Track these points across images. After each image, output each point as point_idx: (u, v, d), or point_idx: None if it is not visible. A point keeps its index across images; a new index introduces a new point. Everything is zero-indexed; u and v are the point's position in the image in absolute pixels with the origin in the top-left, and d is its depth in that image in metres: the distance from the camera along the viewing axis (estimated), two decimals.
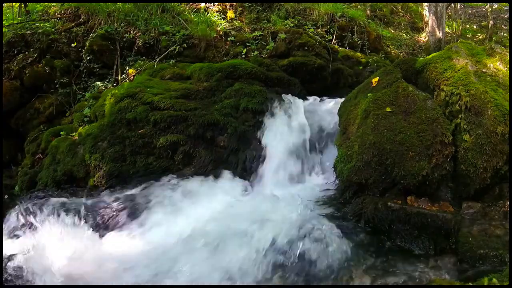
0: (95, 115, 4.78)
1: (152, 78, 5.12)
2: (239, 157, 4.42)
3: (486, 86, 3.30)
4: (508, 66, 3.51)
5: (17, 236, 3.40)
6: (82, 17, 6.26)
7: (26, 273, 2.72)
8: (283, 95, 4.95)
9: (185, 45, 5.87)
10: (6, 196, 4.54)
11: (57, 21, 6.36)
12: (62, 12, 6.49)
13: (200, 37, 5.93)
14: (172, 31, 6.01)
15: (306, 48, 5.60)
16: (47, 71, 5.59)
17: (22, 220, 3.62)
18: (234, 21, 6.89)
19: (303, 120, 4.63)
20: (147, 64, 5.66)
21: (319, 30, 6.85)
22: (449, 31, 10.54)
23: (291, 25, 6.76)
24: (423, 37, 9.95)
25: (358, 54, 6.60)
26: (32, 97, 5.62)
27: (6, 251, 2.93)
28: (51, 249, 3.04)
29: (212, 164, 4.31)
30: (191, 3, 7.07)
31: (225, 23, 6.66)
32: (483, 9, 12.87)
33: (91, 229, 3.51)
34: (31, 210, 3.72)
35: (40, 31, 5.77)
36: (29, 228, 3.50)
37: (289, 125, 4.55)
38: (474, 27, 11.88)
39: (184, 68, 5.36)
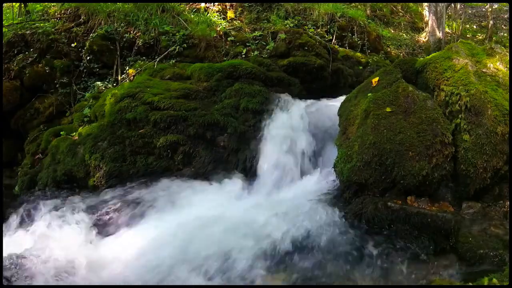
0: (95, 115, 4.78)
1: (152, 78, 5.11)
2: (239, 157, 4.42)
3: (486, 86, 3.31)
4: (508, 66, 3.51)
5: (17, 236, 3.40)
6: (82, 17, 6.26)
7: (26, 273, 2.71)
8: (283, 95, 4.95)
9: (185, 45, 5.87)
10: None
11: (57, 21, 6.36)
12: (62, 12, 6.48)
13: (200, 37, 5.93)
14: (172, 31, 6.01)
15: (306, 48, 5.60)
16: (47, 71, 5.59)
17: (22, 221, 3.63)
18: (234, 21, 6.89)
19: (302, 120, 4.63)
20: (147, 64, 5.66)
21: (319, 30, 6.85)
22: (449, 31, 10.55)
23: (291, 25, 6.76)
24: (423, 37, 9.96)
25: (358, 54, 6.60)
26: (32, 97, 5.62)
27: (6, 251, 2.93)
28: (50, 249, 3.04)
29: (212, 164, 4.31)
30: (191, 3, 7.07)
31: (225, 23, 6.66)
32: (483, 9, 12.87)
33: (91, 229, 3.51)
34: (31, 210, 3.72)
35: (40, 31, 5.77)
36: (29, 228, 3.50)
37: (288, 125, 4.55)
38: (474, 27, 11.88)
39: (184, 68, 5.36)
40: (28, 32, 5.86)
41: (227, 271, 2.73)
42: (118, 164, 4.21)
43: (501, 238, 2.76)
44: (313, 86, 5.59)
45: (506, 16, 12.05)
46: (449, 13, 11.21)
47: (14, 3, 7.22)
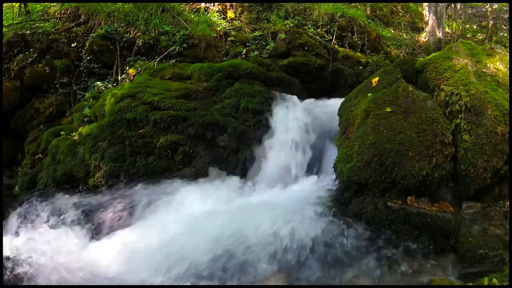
0: (95, 115, 4.78)
1: (152, 78, 5.11)
2: (239, 157, 4.42)
3: (486, 86, 3.31)
4: (508, 66, 3.51)
5: (17, 236, 3.40)
6: (82, 17, 6.26)
7: (26, 273, 2.71)
8: (283, 95, 4.95)
9: (185, 45, 5.87)
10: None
11: (57, 21, 6.35)
12: (62, 12, 6.48)
13: (200, 37, 5.93)
14: (172, 31, 6.01)
15: (306, 48, 5.60)
16: (47, 71, 5.58)
17: (22, 221, 3.63)
18: (234, 21, 6.89)
19: (302, 120, 4.63)
20: (147, 64, 5.66)
21: (319, 30, 6.85)
22: (449, 31, 10.55)
23: (291, 25, 6.76)
24: (423, 37, 9.96)
25: (358, 54, 6.60)
26: (32, 97, 5.62)
27: (6, 251, 2.93)
28: (51, 249, 3.04)
29: (212, 164, 4.31)
30: (191, 3, 7.07)
31: (225, 23, 6.66)
32: (483, 9, 12.87)
33: (91, 229, 3.51)
34: (31, 210, 3.72)
35: (40, 31, 5.77)
36: (29, 228, 3.50)
37: (288, 125, 4.55)
38: (474, 27, 11.89)
39: (184, 68, 5.36)
40: (28, 32, 5.86)
41: (223, 271, 2.73)
42: (118, 164, 4.21)
43: (501, 238, 2.76)
44: (313, 86, 5.59)
45: (506, 16, 12.05)
46: (449, 13, 11.21)
47: (14, 3, 7.22)
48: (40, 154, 4.95)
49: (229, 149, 4.40)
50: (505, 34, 10.97)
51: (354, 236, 3.00)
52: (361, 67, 6.33)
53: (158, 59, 5.68)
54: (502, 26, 11.75)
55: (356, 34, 7.06)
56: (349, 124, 3.73)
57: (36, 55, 5.66)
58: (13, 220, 3.66)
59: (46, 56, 5.69)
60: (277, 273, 2.71)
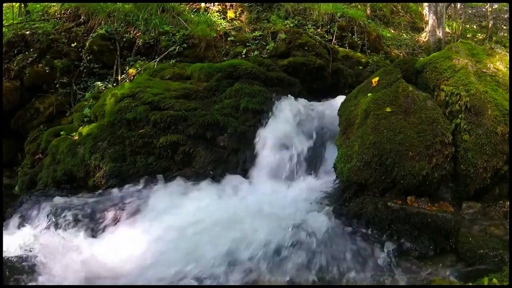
0: (95, 115, 4.78)
1: (152, 78, 5.12)
2: (239, 157, 4.42)
3: (486, 86, 3.31)
4: (508, 66, 3.51)
5: (17, 236, 3.40)
6: (82, 17, 6.27)
7: (26, 273, 2.71)
8: (283, 95, 4.95)
9: (185, 45, 5.88)
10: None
11: (57, 21, 6.36)
12: (62, 12, 6.49)
13: (200, 37, 5.93)
14: (172, 31, 6.01)
15: (306, 48, 5.60)
16: (47, 71, 5.59)
17: (22, 221, 3.63)
18: (234, 21, 6.89)
19: (302, 120, 4.63)
20: (147, 64, 5.66)
21: (319, 30, 6.85)
22: (449, 31, 10.55)
23: (291, 25, 6.77)
24: (423, 37, 9.96)
25: (358, 54, 6.60)
26: (32, 97, 5.62)
27: (6, 251, 2.93)
28: (50, 249, 3.04)
29: (212, 164, 4.31)
30: (191, 3, 7.07)
31: (225, 23, 6.66)
32: (483, 9, 12.88)
33: (91, 229, 3.51)
34: (31, 210, 3.73)
35: (40, 31, 5.77)
36: (29, 228, 3.50)
37: (288, 125, 4.55)
38: (474, 27, 11.89)
39: (184, 68, 5.36)
40: (28, 32, 5.86)
41: (226, 270, 2.73)
42: (118, 164, 4.21)
43: (501, 238, 2.75)
44: (313, 86, 5.59)
45: (506, 16, 12.05)
46: (449, 13, 11.22)
47: (14, 3, 7.22)
48: (40, 154, 4.95)
49: (229, 149, 4.41)
50: (505, 34, 10.98)
51: (354, 236, 3.00)
52: (361, 67, 6.33)
53: (158, 59, 5.68)
54: (502, 26, 11.76)
55: (356, 34, 7.06)
56: (349, 124, 3.73)
57: (36, 55, 5.66)
58: (13, 220, 3.66)
59: (46, 56, 5.70)
60: (275, 273, 2.70)
